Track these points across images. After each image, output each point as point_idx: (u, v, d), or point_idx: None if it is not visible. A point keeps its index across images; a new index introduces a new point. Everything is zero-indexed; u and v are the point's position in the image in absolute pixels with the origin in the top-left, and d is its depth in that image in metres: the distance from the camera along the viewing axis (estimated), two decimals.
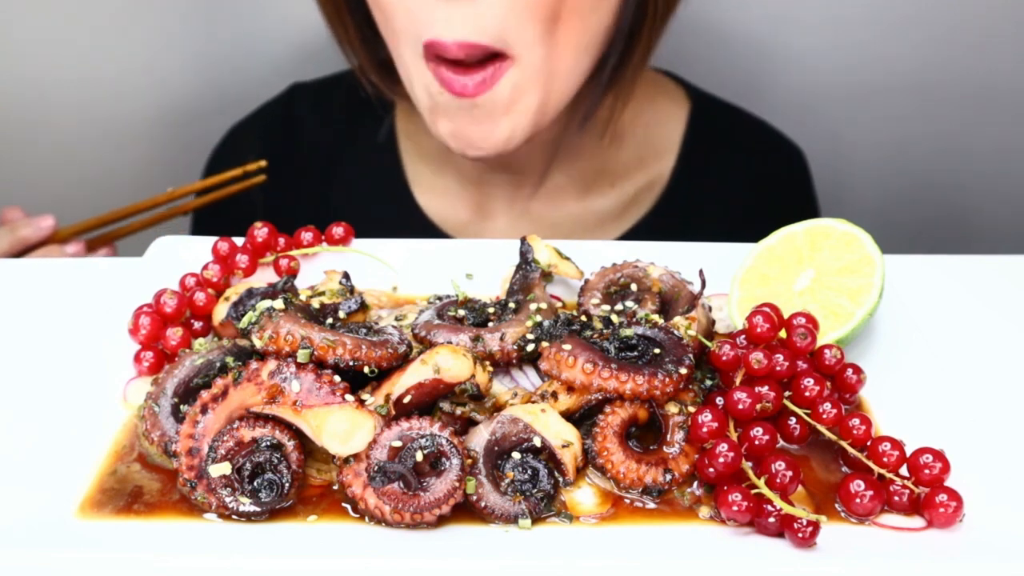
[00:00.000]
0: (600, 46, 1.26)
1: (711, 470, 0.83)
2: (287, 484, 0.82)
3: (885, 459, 0.84)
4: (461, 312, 0.99)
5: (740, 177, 1.52)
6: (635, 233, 1.48)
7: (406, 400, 0.85)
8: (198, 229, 1.63)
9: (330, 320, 0.98)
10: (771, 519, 0.79)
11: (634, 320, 0.96)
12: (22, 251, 1.35)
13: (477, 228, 1.49)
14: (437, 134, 1.26)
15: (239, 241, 1.11)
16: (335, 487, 0.85)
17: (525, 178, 1.47)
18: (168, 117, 1.83)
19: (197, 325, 1.03)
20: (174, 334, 0.99)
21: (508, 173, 1.46)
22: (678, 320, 0.96)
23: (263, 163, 1.47)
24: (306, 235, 1.13)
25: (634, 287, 1.05)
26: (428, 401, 0.87)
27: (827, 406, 0.87)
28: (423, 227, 1.49)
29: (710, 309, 1.01)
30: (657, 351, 0.91)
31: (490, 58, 1.17)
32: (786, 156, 1.56)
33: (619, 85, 1.34)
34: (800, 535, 0.78)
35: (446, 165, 1.49)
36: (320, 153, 1.56)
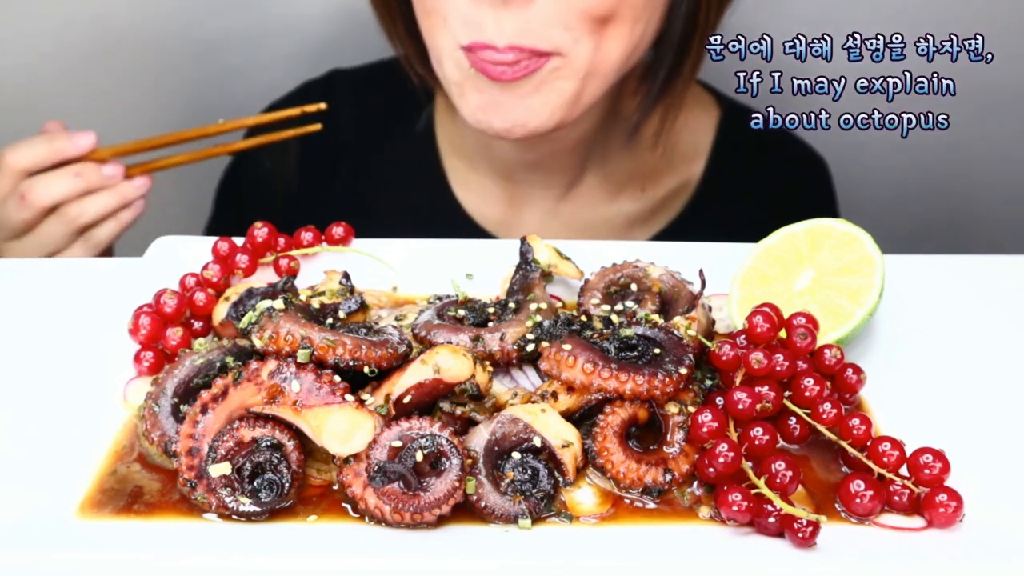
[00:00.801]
0: (643, 52, 1.27)
1: (711, 470, 0.83)
2: (287, 484, 0.82)
3: (885, 459, 0.84)
4: (461, 312, 0.99)
5: (766, 185, 1.54)
6: (664, 237, 1.50)
7: (406, 400, 0.85)
8: (228, 189, 1.62)
9: (330, 320, 0.98)
10: (771, 519, 0.79)
11: (634, 320, 0.96)
12: (57, 164, 1.32)
13: (510, 226, 1.50)
14: (463, 110, 1.25)
15: (239, 241, 1.11)
16: (335, 487, 0.85)
17: (557, 178, 1.48)
18: (169, 117, 1.82)
19: (197, 325, 1.03)
20: (174, 334, 0.99)
21: (540, 173, 1.47)
22: (678, 320, 0.96)
23: (323, 106, 1.40)
24: (306, 235, 1.13)
25: (634, 287, 1.05)
26: (428, 401, 0.87)
27: (827, 406, 0.87)
28: (460, 221, 1.50)
29: (710, 309, 1.01)
30: (657, 351, 0.91)
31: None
32: (810, 166, 1.59)
33: (670, 97, 1.35)
34: (800, 535, 0.78)
35: (480, 161, 1.49)
36: (358, 141, 1.57)
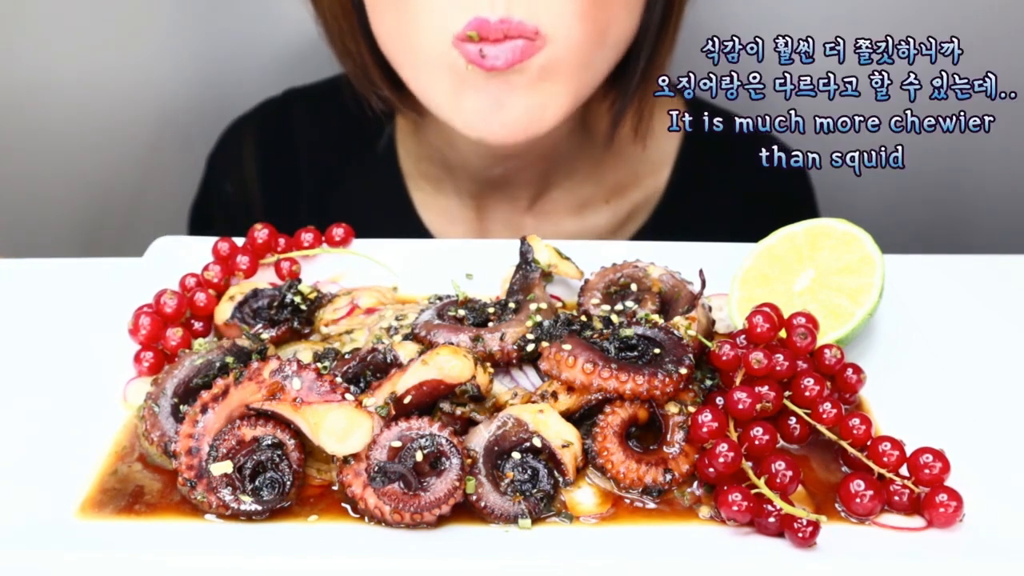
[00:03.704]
0: (627, 42, 1.24)
1: (711, 470, 0.83)
2: (288, 483, 0.82)
3: (885, 459, 0.84)
4: (461, 312, 0.99)
5: (738, 190, 1.49)
6: None
7: (406, 400, 0.85)
8: (199, 218, 1.60)
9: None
10: (771, 519, 0.79)
11: (634, 320, 0.96)
12: None
13: None
14: (463, 119, 1.19)
15: (239, 242, 1.11)
16: (335, 487, 0.85)
17: (521, 195, 1.45)
18: (165, 118, 1.82)
19: (197, 325, 1.03)
20: (174, 334, 0.99)
21: (507, 188, 1.44)
22: (678, 320, 0.96)
23: None
24: (306, 236, 1.13)
25: (634, 287, 1.05)
26: (428, 401, 0.87)
27: (827, 406, 0.87)
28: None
29: (710, 309, 1.01)
30: (657, 351, 0.91)
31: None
32: (788, 170, 1.52)
33: (644, 90, 1.31)
34: (800, 535, 0.78)
35: (443, 182, 1.46)
36: (319, 161, 1.53)
